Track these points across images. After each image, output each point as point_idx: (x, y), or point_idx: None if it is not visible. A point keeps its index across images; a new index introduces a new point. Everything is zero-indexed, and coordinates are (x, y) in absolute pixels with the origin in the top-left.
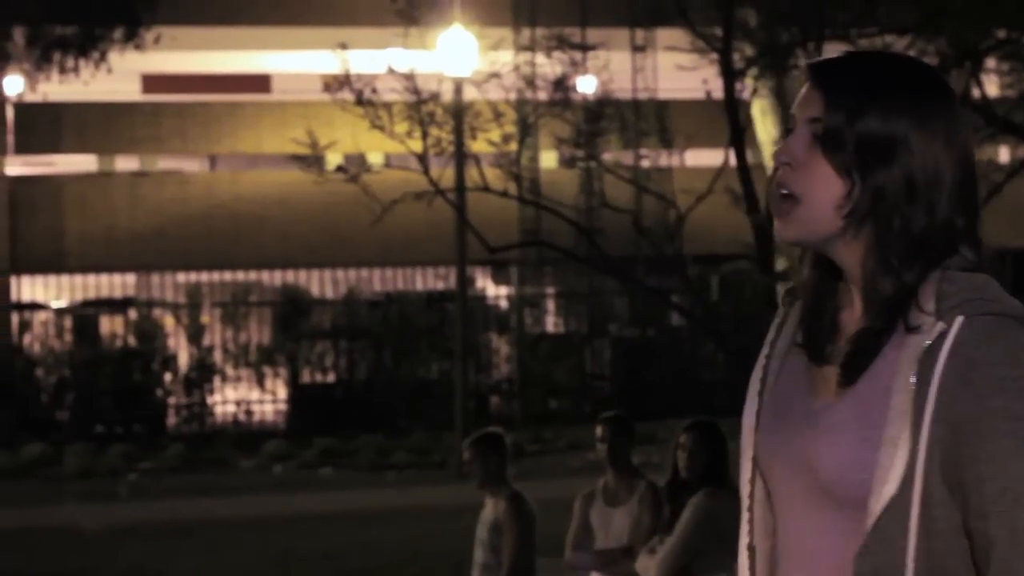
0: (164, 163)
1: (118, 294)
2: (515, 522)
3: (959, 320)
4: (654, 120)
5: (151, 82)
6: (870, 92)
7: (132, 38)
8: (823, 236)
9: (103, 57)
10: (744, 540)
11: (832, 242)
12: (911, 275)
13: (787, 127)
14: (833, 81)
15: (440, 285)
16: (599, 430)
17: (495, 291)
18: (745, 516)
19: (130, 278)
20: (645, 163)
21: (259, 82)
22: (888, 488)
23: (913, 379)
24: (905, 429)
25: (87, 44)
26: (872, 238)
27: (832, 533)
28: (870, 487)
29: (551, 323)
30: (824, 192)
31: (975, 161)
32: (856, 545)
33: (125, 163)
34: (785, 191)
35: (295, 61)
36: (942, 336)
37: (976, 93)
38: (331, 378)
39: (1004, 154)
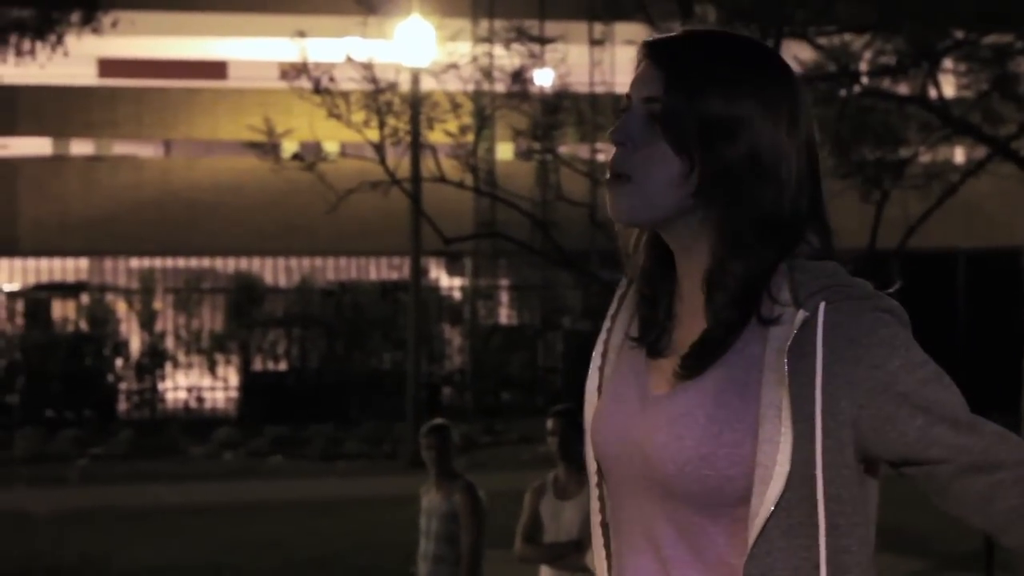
0: (119, 148)
1: (71, 278)
2: (473, 512)
3: (822, 307)
4: (611, 114)
5: (107, 66)
6: (711, 72)
7: (89, 22)
8: (661, 215)
9: (60, 40)
10: (597, 517)
11: (673, 223)
12: (766, 255)
13: (620, 107)
14: (673, 60)
15: (394, 275)
16: (550, 423)
17: (449, 282)
18: (595, 493)
19: (83, 263)
20: (601, 157)
21: (216, 68)
22: (774, 487)
23: (785, 372)
24: (783, 425)
25: (44, 27)
26: (722, 217)
27: (667, 523)
28: (715, 483)
29: (504, 315)
30: (661, 171)
31: (818, 146)
32: (690, 537)
33: (80, 147)
34: (620, 171)
35: (252, 48)
36: (807, 325)
37: (933, 93)
38: (283, 366)
39: (960, 154)
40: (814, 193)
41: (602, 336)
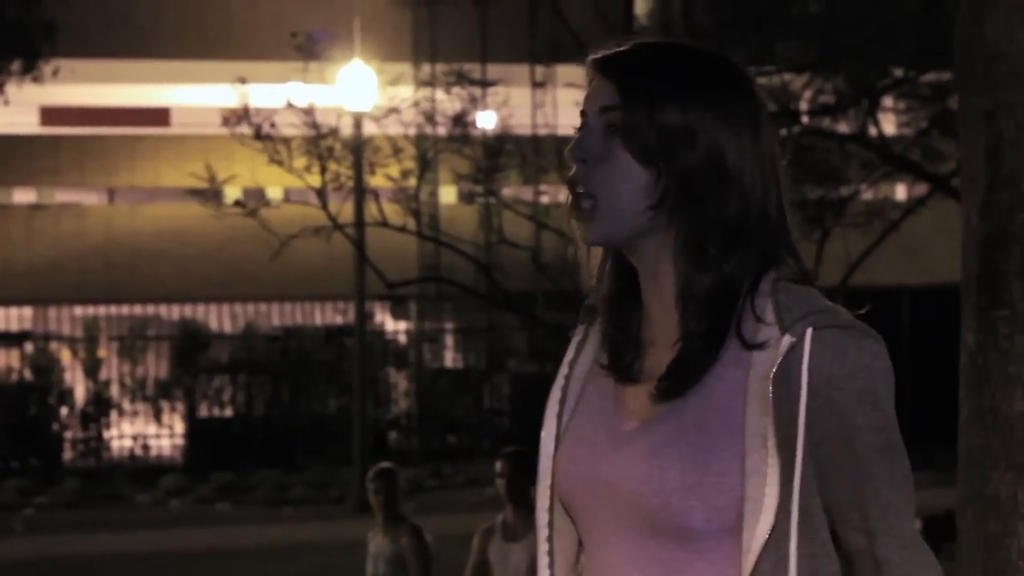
0: (62, 196)
1: (14, 327)
2: (420, 556)
3: (810, 333)
4: (553, 156)
5: (49, 114)
6: (666, 81)
7: (30, 70)
8: (631, 232)
9: (0, 89)
10: (545, 572)
11: (641, 239)
12: (731, 266)
13: (576, 127)
14: (625, 71)
15: (339, 320)
16: (499, 465)
17: (394, 326)
18: (544, 547)
19: (27, 311)
20: (544, 199)
21: (158, 115)
22: (765, 521)
23: (770, 400)
24: (770, 455)
25: None
26: (685, 226)
27: (649, 563)
28: (702, 515)
29: (450, 358)
30: (626, 184)
31: (781, 163)
32: (675, 574)
33: (22, 195)
34: (583, 190)
35: (194, 95)
36: (793, 351)
37: (873, 131)
38: (229, 413)
39: (901, 192)
40: (781, 208)
41: (559, 383)
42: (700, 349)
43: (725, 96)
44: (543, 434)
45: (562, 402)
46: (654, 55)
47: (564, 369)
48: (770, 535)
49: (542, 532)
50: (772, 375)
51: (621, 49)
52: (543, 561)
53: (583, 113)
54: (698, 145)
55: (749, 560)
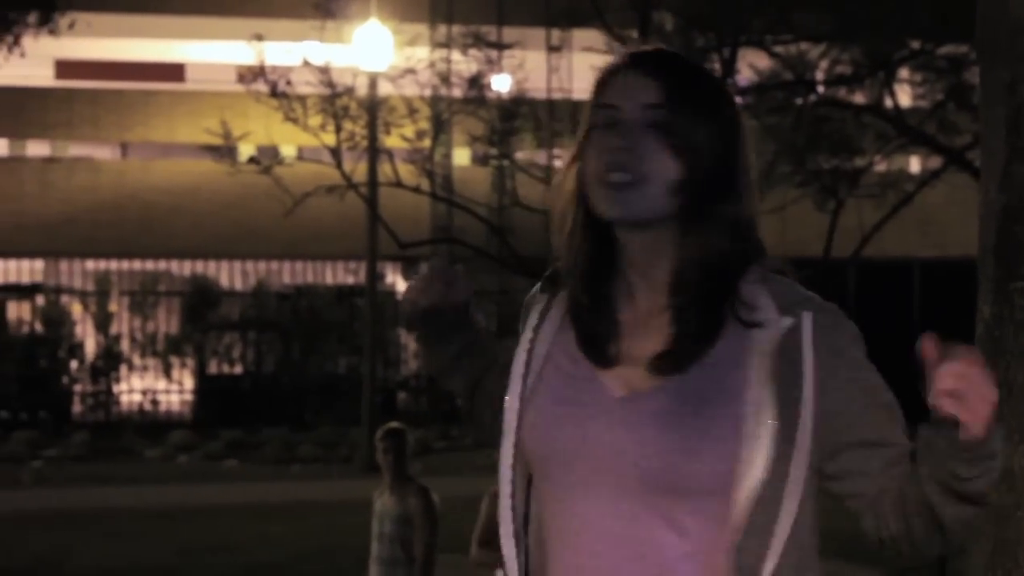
0: (75, 150)
1: (26, 280)
2: (428, 516)
3: (808, 315)
4: (568, 120)
5: (64, 68)
6: (703, 90)
7: (46, 22)
8: (655, 216)
9: (16, 41)
10: (509, 527)
11: (654, 225)
12: (730, 258)
13: (609, 118)
14: (668, 74)
15: (350, 279)
16: None
17: (405, 287)
18: (507, 503)
19: (38, 264)
20: (558, 163)
21: (173, 71)
22: (753, 481)
23: (771, 372)
24: (766, 422)
25: (0, 28)
26: (698, 219)
27: (644, 520)
28: (704, 477)
29: None
30: (661, 174)
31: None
32: (671, 529)
33: (36, 148)
34: (622, 172)
35: (210, 51)
36: (792, 331)
37: (889, 103)
38: (238, 370)
39: (915, 164)
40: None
41: (524, 346)
42: (702, 330)
43: (734, 106)
44: (508, 395)
45: (528, 364)
46: (684, 62)
47: (528, 334)
48: (761, 493)
49: (506, 487)
50: (773, 351)
51: (655, 50)
52: (507, 515)
53: (609, 106)
54: (722, 149)
55: (738, 514)
